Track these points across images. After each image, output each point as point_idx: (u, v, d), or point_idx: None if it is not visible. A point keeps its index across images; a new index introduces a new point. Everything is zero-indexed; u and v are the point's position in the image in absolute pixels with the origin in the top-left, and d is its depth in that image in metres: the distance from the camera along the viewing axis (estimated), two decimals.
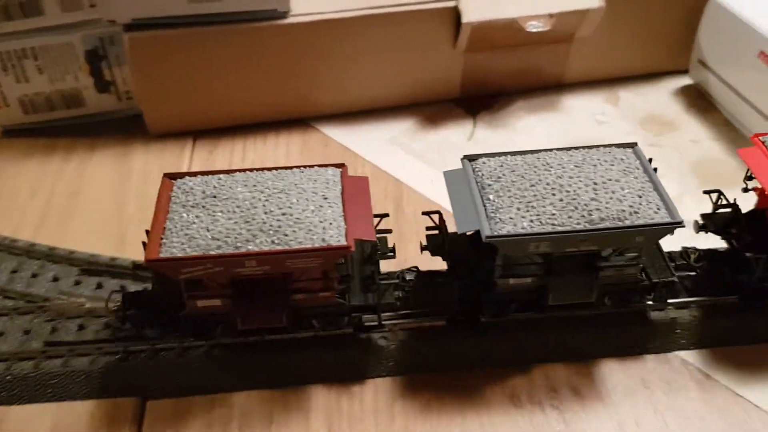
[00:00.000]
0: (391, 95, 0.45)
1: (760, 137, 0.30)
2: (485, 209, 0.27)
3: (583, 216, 0.26)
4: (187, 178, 0.28)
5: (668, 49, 0.46)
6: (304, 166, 0.29)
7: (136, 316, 0.28)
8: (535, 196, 0.27)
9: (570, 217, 0.26)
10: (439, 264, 0.30)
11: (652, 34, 0.45)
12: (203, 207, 0.26)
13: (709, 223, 0.31)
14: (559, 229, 0.26)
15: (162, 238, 0.26)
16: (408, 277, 0.31)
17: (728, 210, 0.31)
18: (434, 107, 0.45)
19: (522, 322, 0.30)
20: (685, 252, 0.32)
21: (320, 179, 0.28)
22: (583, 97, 0.46)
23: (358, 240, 0.26)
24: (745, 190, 0.31)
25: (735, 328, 0.30)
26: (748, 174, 0.30)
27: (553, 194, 0.26)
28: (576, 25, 0.42)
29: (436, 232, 0.30)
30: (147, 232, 0.26)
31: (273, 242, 0.25)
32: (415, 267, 0.31)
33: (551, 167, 0.27)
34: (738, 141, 0.42)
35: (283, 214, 0.26)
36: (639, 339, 0.30)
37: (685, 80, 0.47)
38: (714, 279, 0.31)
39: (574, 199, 0.26)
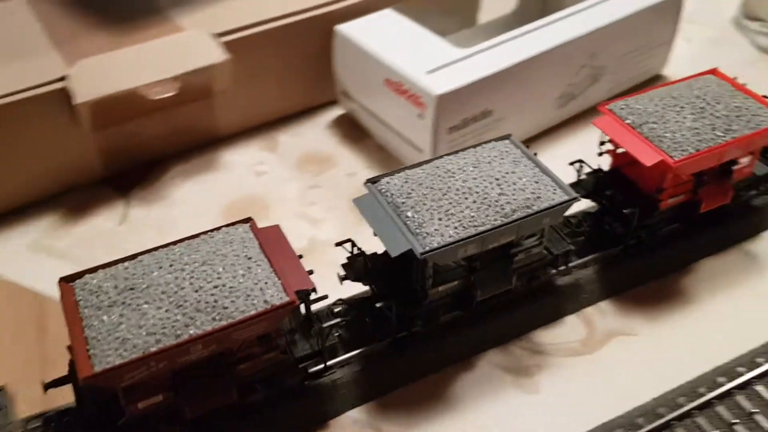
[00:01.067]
0: (23, 192, 0.39)
1: (607, 106, 0.33)
2: (408, 227, 0.27)
3: (498, 211, 0.27)
4: (86, 276, 0.25)
5: (315, 83, 0.45)
6: (212, 230, 0.27)
7: None
8: (450, 203, 0.27)
9: (487, 215, 0.27)
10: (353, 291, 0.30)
11: (296, 72, 0.44)
12: (124, 303, 0.24)
13: (580, 190, 0.34)
14: (482, 229, 0.27)
15: (88, 350, 0.23)
16: (336, 309, 0.30)
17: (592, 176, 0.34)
18: (77, 194, 0.40)
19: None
20: (568, 220, 0.35)
21: (235, 240, 0.26)
22: (241, 149, 0.44)
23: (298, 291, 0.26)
24: (600, 154, 0.34)
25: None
26: (602, 139, 0.34)
27: (466, 198, 0.28)
28: (208, 81, 0.40)
29: (348, 261, 0.30)
30: (69, 348, 0.23)
31: (214, 319, 0.24)
32: (339, 300, 0.31)
33: (453, 173, 0.29)
34: (391, 165, 0.41)
35: (215, 287, 0.24)
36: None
37: (339, 110, 0.46)
38: (598, 237, 0.34)
39: (485, 198, 0.28)
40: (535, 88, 0.40)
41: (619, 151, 0.34)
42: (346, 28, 0.41)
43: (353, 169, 0.42)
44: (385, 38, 0.40)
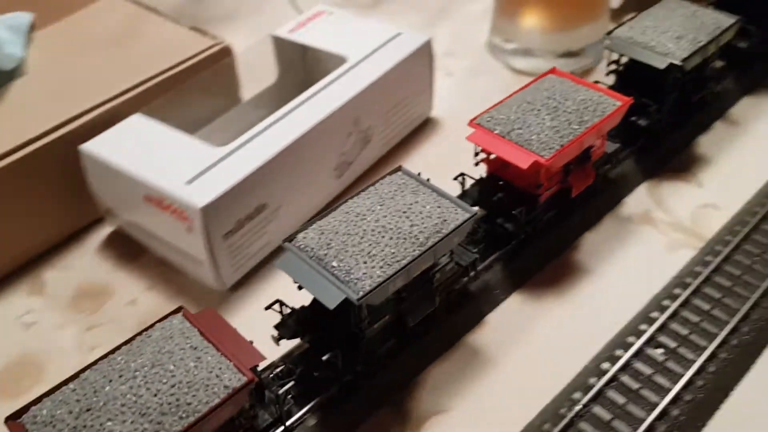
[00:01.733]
0: None
1: (475, 121, 0.36)
2: (337, 277, 0.28)
3: (414, 242, 0.29)
4: (33, 409, 0.24)
5: (76, 204, 0.40)
6: (146, 329, 0.27)
7: None
8: (370, 245, 0.29)
9: (406, 248, 0.29)
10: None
11: (50, 199, 0.39)
12: (86, 427, 0.23)
13: (468, 200, 0.37)
14: (405, 262, 0.29)
15: None
16: (278, 370, 0.31)
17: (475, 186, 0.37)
18: None
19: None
20: None
21: (175, 334, 0.26)
22: (3, 298, 0.38)
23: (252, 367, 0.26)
24: (476, 164, 0.37)
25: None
26: (476, 151, 0.37)
27: (383, 236, 0.29)
28: None
29: (281, 321, 0.31)
30: None
31: (182, 417, 0.24)
32: (279, 361, 0.31)
33: (364, 215, 0.30)
34: (175, 280, 0.38)
35: (173, 386, 0.24)
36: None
37: (108, 228, 0.42)
38: (493, 239, 0.37)
39: (399, 232, 0.29)
40: (306, 168, 0.39)
41: (492, 157, 0.37)
42: (91, 147, 0.38)
43: (133, 294, 0.38)
44: (136, 150, 0.37)
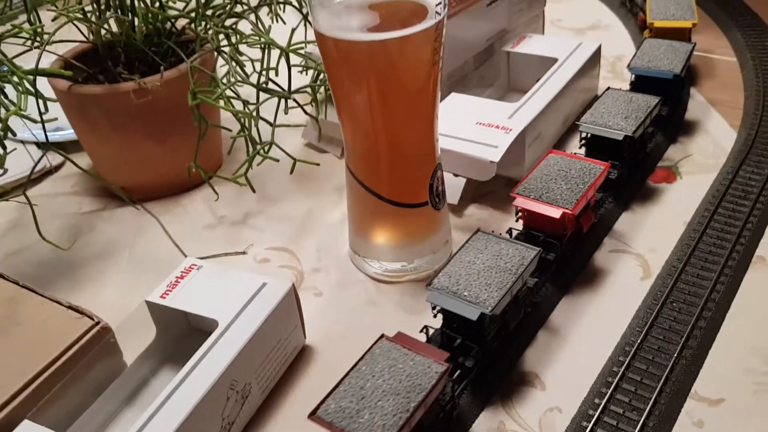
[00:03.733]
0: None
1: (516, 191, 0.54)
2: (471, 301, 0.44)
3: (510, 274, 0.46)
4: (322, 406, 0.39)
5: None
6: (368, 351, 0.42)
7: None
8: (484, 279, 0.45)
9: (507, 278, 0.45)
10: None
11: None
12: (365, 408, 0.38)
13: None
14: (509, 287, 0.45)
15: None
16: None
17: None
18: None
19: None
20: None
21: (389, 349, 0.42)
22: None
23: None
24: (517, 220, 0.55)
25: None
26: (517, 210, 0.54)
27: (490, 273, 0.46)
28: None
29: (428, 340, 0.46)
30: None
31: (418, 393, 0.39)
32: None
33: (473, 261, 0.47)
34: None
35: (407, 376, 0.39)
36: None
37: None
38: (539, 267, 0.54)
39: (499, 269, 0.46)
40: None
41: (527, 212, 0.54)
42: None
43: None
44: None
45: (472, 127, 0.62)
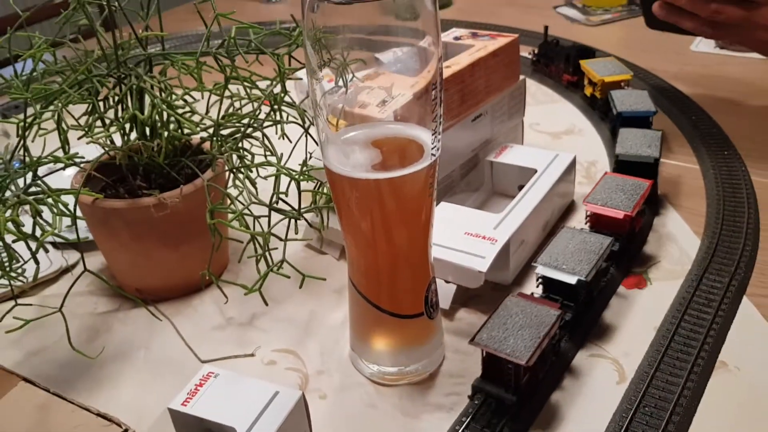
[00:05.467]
0: None
1: (587, 200, 0.69)
2: (571, 272, 0.50)
3: (595, 254, 0.64)
4: (477, 335, 0.43)
5: None
6: (498, 306, 0.47)
7: None
8: (578, 256, 0.63)
9: (593, 258, 0.52)
10: None
11: None
12: (511, 335, 0.53)
13: None
14: (595, 262, 0.63)
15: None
16: None
17: None
18: None
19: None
20: None
21: (515, 304, 0.50)
22: None
23: None
24: (586, 223, 0.68)
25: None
26: (587, 215, 0.68)
27: (582, 252, 0.61)
28: None
29: None
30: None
31: (540, 330, 0.51)
32: None
33: (568, 243, 0.62)
34: None
35: (534, 317, 0.54)
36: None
37: None
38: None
39: (586, 252, 0.63)
40: None
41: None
42: None
43: None
44: None
45: (461, 237, 0.68)
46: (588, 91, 1.07)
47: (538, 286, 0.64)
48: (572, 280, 0.60)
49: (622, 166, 0.78)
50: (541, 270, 0.63)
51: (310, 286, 0.73)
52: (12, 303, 0.67)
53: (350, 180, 0.53)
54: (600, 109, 1.04)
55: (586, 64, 1.06)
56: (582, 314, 0.63)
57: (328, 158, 0.53)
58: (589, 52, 1.13)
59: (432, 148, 0.53)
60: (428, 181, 0.54)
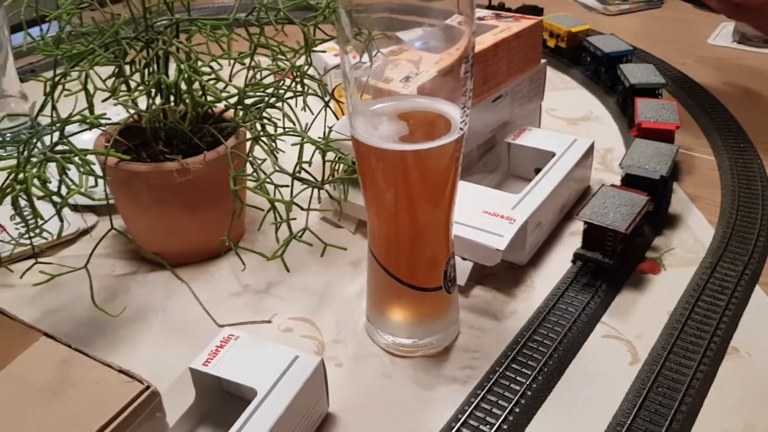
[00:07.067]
0: None
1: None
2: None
3: None
4: (580, 211, 0.44)
5: None
6: None
7: None
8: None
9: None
10: None
11: None
12: (612, 213, 0.61)
13: None
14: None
15: None
16: None
17: None
18: None
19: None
20: None
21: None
22: None
23: None
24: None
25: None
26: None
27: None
28: None
29: None
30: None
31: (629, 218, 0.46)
32: None
33: None
34: None
35: (625, 206, 0.46)
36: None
37: None
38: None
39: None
40: None
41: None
42: None
43: None
44: None
45: (479, 215, 0.69)
46: (551, 43, 1.24)
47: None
48: (655, 176, 0.72)
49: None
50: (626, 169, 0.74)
51: (326, 258, 0.74)
52: (31, 261, 0.68)
53: (377, 150, 0.53)
54: (605, 83, 1.10)
55: (547, 20, 1.22)
56: (658, 205, 0.75)
57: (355, 128, 0.54)
58: (538, 11, 1.34)
59: (460, 122, 0.53)
60: (455, 155, 0.54)
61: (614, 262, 0.67)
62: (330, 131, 0.73)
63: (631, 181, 0.73)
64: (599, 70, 1.10)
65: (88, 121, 0.60)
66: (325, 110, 0.74)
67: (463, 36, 0.51)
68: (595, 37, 1.14)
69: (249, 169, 0.67)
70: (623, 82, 0.99)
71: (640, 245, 0.73)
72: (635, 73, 0.96)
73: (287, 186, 0.65)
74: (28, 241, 0.65)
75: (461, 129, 0.53)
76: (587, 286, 0.68)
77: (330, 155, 0.69)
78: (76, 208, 0.81)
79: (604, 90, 1.10)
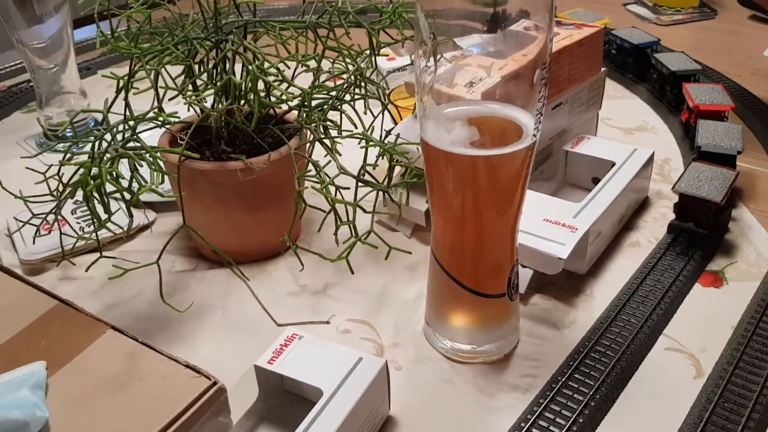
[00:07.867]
0: None
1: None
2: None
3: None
4: None
5: None
6: None
7: None
8: None
9: None
10: None
11: None
12: None
13: None
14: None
15: None
16: None
17: None
18: None
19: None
20: None
21: None
22: None
23: None
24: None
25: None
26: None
27: None
28: None
29: None
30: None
31: None
32: None
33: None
34: None
35: None
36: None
37: None
38: None
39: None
40: None
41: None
42: None
43: None
44: None
45: (540, 223, 0.69)
46: None
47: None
48: (732, 152, 0.78)
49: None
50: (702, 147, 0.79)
51: (382, 261, 0.74)
52: (94, 255, 0.69)
53: (447, 155, 0.53)
54: (669, 102, 1.08)
55: (564, 15, 1.23)
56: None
57: (426, 132, 0.54)
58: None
59: (533, 129, 0.53)
60: (526, 162, 0.54)
61: (708, 232, 0.72)
62: (389, 134, 0.73)
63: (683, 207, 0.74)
64: (664, 89, 1.08)
65: (161, 117, 0.60)
66: (383, 114, 0.74)
67: (539, 42, 0.51)
68: (621, 30, 1.19)
69: (309, 171, 0.67)
70: (661, 70, 1.06)
71: (703, 258, 0.73)
72: (672, 62, 1.03)
73: (347, 188, 0.66)
74: (92, 236, 0.66)
75: (534, 136, 0.53)
76: (648, 299, 0.67)
77: (393, 158, 0.69)
78: (138, 204, 0.82)
79: (668, 108, 1.08)
